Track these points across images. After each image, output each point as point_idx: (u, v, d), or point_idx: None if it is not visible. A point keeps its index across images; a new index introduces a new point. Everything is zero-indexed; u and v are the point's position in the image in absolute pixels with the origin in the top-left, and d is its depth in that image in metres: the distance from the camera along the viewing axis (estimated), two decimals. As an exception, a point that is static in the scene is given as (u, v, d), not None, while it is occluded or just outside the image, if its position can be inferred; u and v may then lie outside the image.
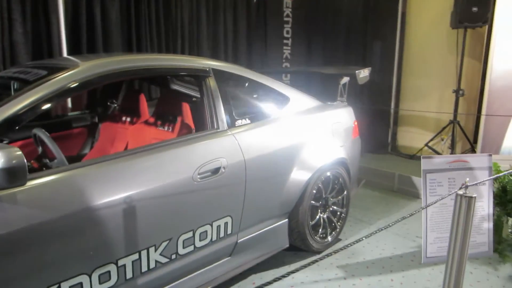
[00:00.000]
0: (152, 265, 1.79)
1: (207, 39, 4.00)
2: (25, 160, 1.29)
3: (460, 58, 4.34)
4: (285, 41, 4.63)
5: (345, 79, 3.12)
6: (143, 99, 2.64)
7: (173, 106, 2.35)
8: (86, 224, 1.54)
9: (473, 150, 4.46)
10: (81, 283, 1.56)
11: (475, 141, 4.46)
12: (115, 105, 2.94)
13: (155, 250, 1.78)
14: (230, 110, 2.19)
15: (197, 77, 2.17)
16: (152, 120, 2.48)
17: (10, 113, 1.48)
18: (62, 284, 1.51)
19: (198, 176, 1.89)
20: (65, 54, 3.13)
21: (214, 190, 1.97)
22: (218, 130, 2.10)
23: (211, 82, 2.16)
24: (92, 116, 2.90)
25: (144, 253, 1.74)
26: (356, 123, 3.02)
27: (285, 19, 4.61)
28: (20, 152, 1.29)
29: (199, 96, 2.26)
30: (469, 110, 4.69)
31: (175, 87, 2.70)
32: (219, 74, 2.22)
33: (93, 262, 1.58)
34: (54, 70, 1.76)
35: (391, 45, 4.84)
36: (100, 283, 1.62)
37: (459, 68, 4.37)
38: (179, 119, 2.27)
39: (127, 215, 1.66)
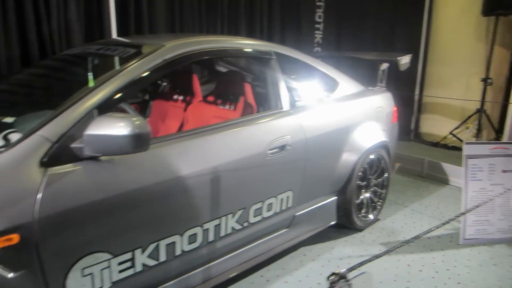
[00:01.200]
0: (228, 230, 2.03)
1: (244, 22, 4.17)
2: (150, 129, 1.50)
3: (490, 46, 4.51)
4: (316, 26, 4.81)
5: (385, 65, 3.32)
6: (196, 79, 2.84)
7: (235, 86, 2.56)
8: (180, 191, 1.76)
9: (498, 139, 4.69)
10: (174, 242, 1.79)
11: (500, 130, 4.68)
12: (165, 83, 3.14)
13: (232, 217, 2.02)
14: (290, 91, 2.40)
15: (262, 59, 2.37)
16: (211, 99, 2.68)
17: (113, 89, 1.67)
18: (160, 242, 1.74)
19: (269, 151, 2.12)
20: (114, 34, 3.31)
21: (280, 165, 2.19)
22: (282, 110, 2.31)
23: (275, 64, 2.36)
24: (144, 94, 3.09)
25: (223, 219, 1.98)
26: (395, 108, 3.24)
27: (318, 3, 4.78)
28: (146, 122, 1.50)
29: (260, 77, 2.46)
30: (496, 98, 4.89)
31: (237, 68, 2.90)
32: (280, 57, 2.42)
33: (185, 224, 1.82)
34: (142, 48, 1.96)
35: (418, 30, 4.98)
36: (188, 243, 1.85)
37: (488, 56, 4.55)
38: (241, 98, 2.47)
39: (212, 184, 1.88)
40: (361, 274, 1.37)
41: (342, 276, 1.25)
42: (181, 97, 2.90)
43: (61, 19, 3.06)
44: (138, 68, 1.77)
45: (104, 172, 1.54)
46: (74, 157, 1.48)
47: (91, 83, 1.79)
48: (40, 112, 1.66)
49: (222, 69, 3.22)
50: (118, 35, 3.34)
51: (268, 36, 4.42)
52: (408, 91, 5.15)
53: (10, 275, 1.31)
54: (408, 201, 3.54)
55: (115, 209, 1.56)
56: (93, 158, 1.51)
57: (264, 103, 2.41)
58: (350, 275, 1.29)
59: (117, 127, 1.43)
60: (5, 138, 1.49)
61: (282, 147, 2.19)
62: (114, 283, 1.62)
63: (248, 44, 2.36)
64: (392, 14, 5.00)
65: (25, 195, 1.35)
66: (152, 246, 1.71)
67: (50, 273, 1.42)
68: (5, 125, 1.66)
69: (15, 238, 1.31)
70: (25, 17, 2.90)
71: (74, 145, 1.48)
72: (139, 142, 1.47)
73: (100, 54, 2.12)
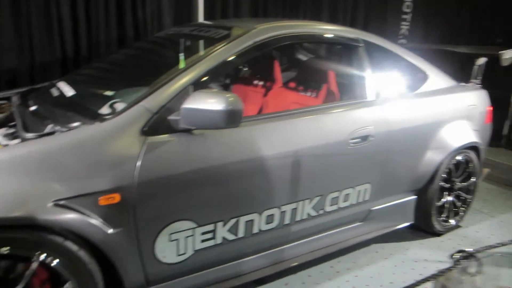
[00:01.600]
0: (304, 216, 2.04)
1: (327, 9, 4.12)
2: (242, 106, 1.56)
3: None
4: (403, 16, 4.58)
5: (482, 60, 3.07)
6: (277, 65, 2.87)
7: (318, 73, 2.54)
8: (263, 170, 1.81)
9: None
10: (253, 220, 1.85)
11: None
12: (246, 68, 3.22)
13: (309, 203, 2.03)
14: (376, 81, 2.33)
15: (349, 46, 2.32)
16: (292, 85, 2.70)
17: (208, 67, 1.75)
18: (240, 218, 1.81)
19: (351, 140, 2.08)
20: (201, 19, 3.47)
21: (361, 156, 2.15)
22: (367, 100, 2.25)
23: (362, 52, 2.30)
24: (225, 78, 3.20)
25: (301, 203, 2.00)
26: (490, 108, 2.99)
27: (407, -7, 4.55)
28: (239, 99, 1.56)
29: (345, 64, 2.42)
30: None
31: (319, 55, 2.89)
32: (368, 45, 2.35)
33: (264, 204, 1.87)
34: (233, 30, 2.02)
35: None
36: (266, 223, 1.90)
37: None
38: (324, 86, 2.46)
39: (293, 168, 1.90)
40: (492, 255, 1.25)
41: (471, 255, 1.18)
42: (261, 83, 2.95)
43: (155, 4, 3.28)
44: (230, 49, 1.84)
45: (196, 145, 1.63)
46: (170, 129, 1.59)
47: (181, 64, 1.91)
48: (136, 88, 1.80)
49: (303, 56, 3.21)
50: (205, 20, 3.49)
51: (351, 25, 4.31)
52: (504, 91, 4.70)
53: (110, 230, 1.46)
54: (496, 211, 3.26)
55: (203, 181, 1.65)
56: (187, 131, 1.61)
57: (348, 92, 2.37)
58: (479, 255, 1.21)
59: (212, 102, 1.51)
60: (111, 106, 1.64)
61: (365, 138, 2.14)
62: (195, 251, 1.73)
63: (336, 30, 2.33)
64: (492, 5, 4.59)
65: (127, 160, 1.48)
66: (232, 221, 1.79)
67: (143, 234, 1.55)
68: (106, 97, 1.82)
69: (116, 197, 1.46)
70: (123, 2, 3.16)
71: (171, 117, 1.59)
72: (232, 118, 1.53)
73: (194, 35, 2.23)
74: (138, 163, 1.49)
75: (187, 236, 1.68)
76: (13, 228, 1.31)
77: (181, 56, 1.99)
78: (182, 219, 1.64)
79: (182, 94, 1.63)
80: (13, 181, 1.32)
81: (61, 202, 1.35)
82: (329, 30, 2.31)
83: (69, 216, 1.36)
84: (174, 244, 1.65)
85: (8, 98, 2.40)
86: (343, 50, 2.45)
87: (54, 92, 2.02)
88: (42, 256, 1.37)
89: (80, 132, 1.48)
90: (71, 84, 2.05)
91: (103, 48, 3.17)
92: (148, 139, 1.54)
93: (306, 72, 2.67)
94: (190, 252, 1.72)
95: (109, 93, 1.88)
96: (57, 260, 1.40)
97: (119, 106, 1.62)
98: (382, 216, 2.45)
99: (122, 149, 1.49)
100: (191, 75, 1.69)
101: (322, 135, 2.01)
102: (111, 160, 1.47)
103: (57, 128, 1.51)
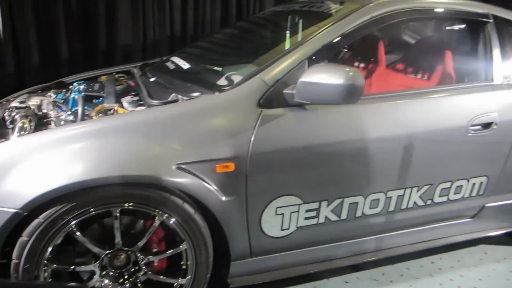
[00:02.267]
0: (410, 204, 1.94)
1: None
2: (363, 82, 1.52)
3: None
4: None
5: None
6: (382, 45, 2.72)
7: (432, 53, 2.37)
8: (372, 152, 1.74)
9: None
10: (357, 203, 1.81)
11: None
12: (345, 49, 3.11)
13: (417, 191, 1.92)
14: (505, 62, 2.09)
15: (475, 23, 2.12)
16: (400, 66, 2.55)
17: (324, 42, 1.72)
18: (345, 199, 1.78)
19: (470, 127, 1.91)
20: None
21: (480, 145, 1.97)
22: (492, 83, 2.04)
23: (491, 29, 2.08)
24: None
25: (408, 191, 1.90)
26: None
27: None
28: (360, 74, 1.51)
29: (466, 43, 2.21)
30: None
31: (436, 32, 2.70)
32: (498, 21, 2.12)
33: (370, 187, 1.81)
34: (346, 4, 1.96)
35: None
36: (370, 207, 1.84)
37: None
38: (439, 67, 2.28)
39: (404, 152, 1.81)
40: None
41: None
42: (362, 64, 2.84)
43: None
44: (347, 23, 1.78)
45: (309, 121, 1.63)
46: (284, 102, 1.60)
47: (289, 42, 1.90)
48: (250, 63, 1.85)
49: (412, 34, 3.01)
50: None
51: None
52: None
53: (224, 198, 1.53)
54: None
55: (313, 158, 1.64)
56: (301, 106, 1.61)
57: (469, 74, 2.17)
58: None
59: (332, 76, 1.48)
60: (228, 79, 1.70)
61: (487, 125, 1.95)
62: (298, 227, 1.74)
63: (463, 4, 2.12)
64: None
65: (243, 130, 1.53)
66: (337, 202, 1.76)
67: (252, 204, 1.60)
68: (221, 70, 1.90)
69: (231, 166, 1.51)
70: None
71: (286, 91, 1.59)
72: (351, 93, 1.49)
73: (306, 11, 2.20)
74: (253, 135, 1.53)
75: (292, 212, 1.69)
76: (141, 186, 1.42)
77: (289, 33, 1.99)
78: (289, 194, 1.65)
79: (298, 68, 1.62)
80: (142, 142, 1.43)
81: (183, 166, 1.44)
82: (454, 4, 2.12)
83: (189, 180, 1.45)
84: (279, 218, 1.68)
85: (125, 72, 2.63)
86: (467, 26, 2.23)
87: (170, 66, 2.15)
88: (164, 216, 1.48)
89: (201, 101, 1.55)
90: (185, 59, 2.16)
91: (208, 27, 3.31)
92: (263, 112, 1.56)
93: (417, 52, 2.50)
94: (293, 228, 1.73)
95: (224, 66, 1.94)
96: (175, 221, 1.50)
97: (236, 78, 1.67)
98: (497, 215, 2.23)
99: (239, 119, 1.54)
100: (307, 50, 1.68)
101: (438, 120, 1.87)
102: (229, 129, 1.52)
103: (180, 97, 1.61)
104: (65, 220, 1.34)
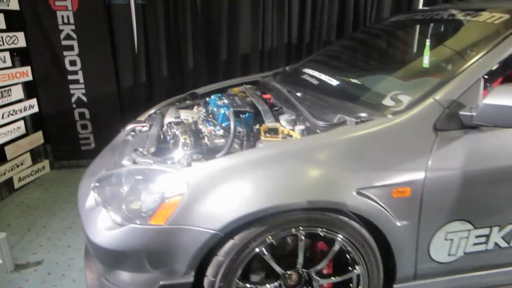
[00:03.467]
0: None
1: None
2: None
3: None
4: None
5: None
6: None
7: None
8: None
9: None
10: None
11: None
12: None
13: None
14: None
15: None
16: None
17: (499, 57, 1.62)
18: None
19: None
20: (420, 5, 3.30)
21: None
22: None
23: None
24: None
25: None
26: None
27: None
28: None
29: None
30: None
31: None
32: None
33: None
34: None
35: None
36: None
37: None
38: None
39: None
40: None
41: None
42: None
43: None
44: (523, 37, 1.66)
45: (486, 143, 1.57)
46: (459, 124, 1.55)
47: (426, 51, 1.82)
48: (419, 80, 1.81)
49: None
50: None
51: None
52: None
53: (398, 223, 1.53)
54: None
55: (489, 182, 1.59)
56: (476, 128, 1.55)
57: None
58: None
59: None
60: (394, 98, 1.69)
61: None
62: (465, 253, 1.69)
63: None
64: None
65: (420, 155, 1.52)
66: (509, 227, 1.68)
67: (424, 229, 1.58)
68: (373, 90, 1.90)
69: (407, 191, 1.51)
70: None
71: (463, 112, 1.54)
72: None
73: (453, 20, 2.11)
74: (429, 159, 1.51)
75: (461, 238, 1.65)
76: (323, 210, 1.48)
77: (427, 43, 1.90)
78: (460, 219, 1.61)
79: (473, 88, 1.56)
80: (324, 167, 1.48)
81: (362, 191, 1.48)
82: None
83: (367, 205, 1.48)
84: (448, 244, 1.64)
85: (252, 83, 2.73)
86: None
87: (312, 80, 2.19)
88: (343, 240, 1.53)
89: (377, 124, 1.56)
90: (322, 71, 2.17)
91: (324, 34, 3.33)
92: (439, 135, 1.54)
93: None
94: (460, 254, 1.69)
95: (376, 83, 1.93)
96: (352, 245, 1.54)
97: (404, 98, 1.66)
98: None
99: (415, 143, 1.53)
100: (481, 67, 1.60)
101: None
102: (405, 153, 1.52)
103: (347, 118, 1.63)
104: (257, 242, 1.45)
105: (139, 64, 3.26)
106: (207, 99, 2.54)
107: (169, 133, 1.90)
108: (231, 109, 1.96)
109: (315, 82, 2.16)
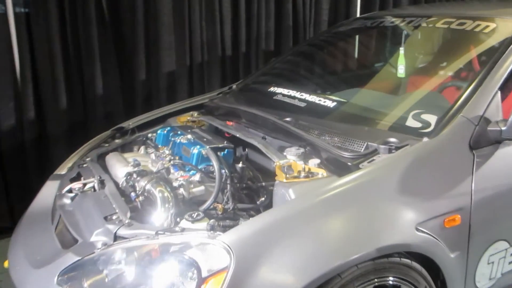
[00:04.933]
0: None
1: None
2: None
3: None
4: None
5: None
6: None
7: None
8: None
9: None
10: None
11: None
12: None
13: None
14: None
15: None
16: None
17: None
18: None
19: None
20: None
21: None
22: None
23: None
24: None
25: None
26: None
27: None
28: None
29: None
30: None
31: None
32: None
33: None
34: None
35: None
36: None
37: None
38: None
39: None
40: None
41: None
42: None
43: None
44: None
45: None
46: (489, 140, 1.81)
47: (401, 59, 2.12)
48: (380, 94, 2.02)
49: None
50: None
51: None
52: None
53: (452, 254, 1.69)
54: None
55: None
56: (504, 142, 1.82)
57: None
58: None
59: None
60: (417, 118, 1.89)
61: None
62: (502, 274, 1.94)
63: None
64: None
65: (462, 178, 1.72)
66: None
67: (472, 256, 1.77)
68: (358, 106, 2.08)
69: (457, 219, 1.69)
70: None
71: (491, 128, 1.78)
72: None
73: (456, 30, 2.30)
74: (472, 181, 1.72)
75: (500, 258, 1.90)
76: (389, 256, 1.56)
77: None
78: (500, 239, 1.85)
79: (495, 101, 1.86)
80: (383, 207, 1.58)
81: (419, 226, 1.60)
82: None
83: (427, 241, 1.61)
84: (490, 268, 1.86)
85: (194, 108, 2.70)
86: None
87: (292, 101, 2.27)
88: (408, 285, 1.63)
89: (416, 150, 1.70)
90: (303, 90, 2.27)
91: (263, 43, 3.49)
92: (475, 153, 1.77)
93: None
94: (498, 275, 1.93)
95: (387, 101, 2.14)
96: (403, 281, 1.64)
97: (429, 118, 1.87)
98: None
99: (456, 166, 1.73)
100: (496, 78, 1.88)
101: None
102: (450, 178, 1.70)
103: (378, 146, 1.75)
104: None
105: (25, 95, 2.95)
106: (149, 135, 2.46)
107: (133, 188, 1.81)
108: (207, 147, 1.95)
109: (300, 104, 2.24)
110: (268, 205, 1.79)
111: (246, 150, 2.21)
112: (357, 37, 2.85)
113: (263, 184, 1.95)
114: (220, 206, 1.77)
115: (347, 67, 2.60)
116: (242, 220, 1.62)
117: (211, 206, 1.73)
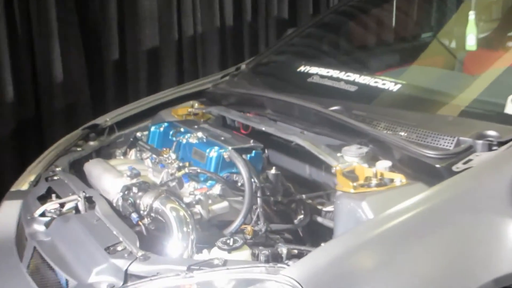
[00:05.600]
0: None
1: None
2: None
3: None
4: None
5: None
6: None
7: None
8: None
9: None
10: None
11: None
12: None
13: None
14: None
15: None
16: None
17: None
18: None
19: None
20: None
21: None
22: None
23: None
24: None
25: None
26: None
27: None
28: None
29: None
30: None
31: None
32: None
33: None
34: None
35: None
36: None
37: None
38: None
39: None
40: None
41: None
42: None
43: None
44: None
45: None
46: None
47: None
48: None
49: None
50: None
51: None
52: None
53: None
54: None
55: None
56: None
57: None
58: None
59: None
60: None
61: None
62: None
63: None
64: None
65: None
66: None
67: None
68: (431, 90, 1.94)
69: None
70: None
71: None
72: None
73: None
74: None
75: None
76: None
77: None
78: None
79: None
80: (495, 223, 1.41)
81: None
82: None
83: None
84: None
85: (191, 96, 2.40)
86: None
87: (337, 84, 2.06)
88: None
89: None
90: (349, 69, 2.08)
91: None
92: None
93: None
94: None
95: (467, 82, 2.02)
96: None
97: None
98: None
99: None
100: None
101: None
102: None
103: (473, 141, 1.55)
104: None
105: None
106: (138, 134, 2.25)
107: (134, 207, 1.65)
108: (229, 148, 1.79)
109: (349, 87, 2.03)
110: (309, 225, 1.73)
111: (266, 151, 2.00)
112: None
113: (303, 196, 1.81)
114: (249, 228, 1.63)
115: (398, 39, 2.38)
116: (281, 245, 1.47)
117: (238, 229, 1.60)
